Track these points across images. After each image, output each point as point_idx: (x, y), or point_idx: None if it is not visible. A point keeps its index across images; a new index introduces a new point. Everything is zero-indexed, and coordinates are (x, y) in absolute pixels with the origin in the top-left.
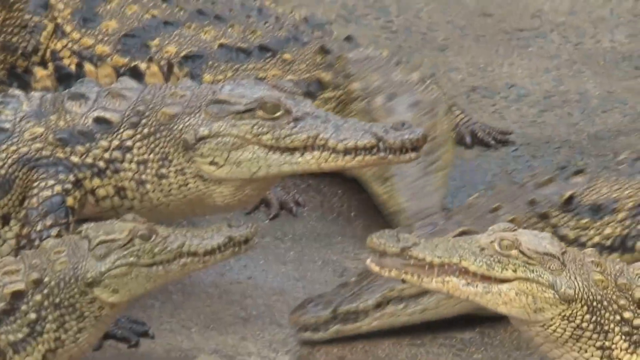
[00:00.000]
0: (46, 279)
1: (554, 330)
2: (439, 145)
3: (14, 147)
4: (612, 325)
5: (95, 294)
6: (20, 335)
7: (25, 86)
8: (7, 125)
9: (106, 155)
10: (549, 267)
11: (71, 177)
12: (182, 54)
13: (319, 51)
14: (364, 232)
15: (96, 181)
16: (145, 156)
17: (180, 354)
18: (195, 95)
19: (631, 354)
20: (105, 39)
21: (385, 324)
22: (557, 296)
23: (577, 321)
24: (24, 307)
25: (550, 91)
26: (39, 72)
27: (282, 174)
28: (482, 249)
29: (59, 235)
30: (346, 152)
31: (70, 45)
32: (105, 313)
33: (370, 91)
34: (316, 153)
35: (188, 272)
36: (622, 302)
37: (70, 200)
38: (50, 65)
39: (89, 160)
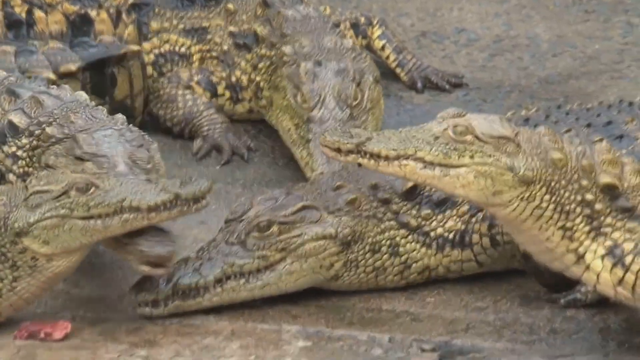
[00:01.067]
0: None
1: (513, 210)
2: (363, 112)
3: None
4: (573, 206)
5: (25, 244)
6: None
7: None
8: None
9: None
10: (505, 150)
11: None
12: (130, 1)
13: (261, 4)
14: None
15: None
16: (26, 169)
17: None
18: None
19: (592, 239)
20: None
21: (226, 299)
22: (515, 179)
23: (537, 201)
24: None
25: (500, 35)
26: None
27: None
28: (437, 138)
29: None
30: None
31: None
32: (42, 265)
33: (299, 56)
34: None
35: (131, 228)
36: (584, 182)
37: None
38: (0, 13)
39: None
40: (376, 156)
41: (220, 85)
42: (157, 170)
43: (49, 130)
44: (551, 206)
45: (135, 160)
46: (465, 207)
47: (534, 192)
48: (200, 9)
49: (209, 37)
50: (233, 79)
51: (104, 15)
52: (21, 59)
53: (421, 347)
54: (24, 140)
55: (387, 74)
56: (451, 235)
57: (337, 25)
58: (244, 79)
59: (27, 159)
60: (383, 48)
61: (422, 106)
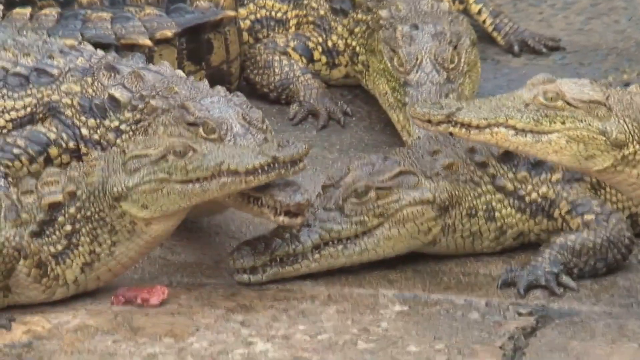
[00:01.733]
0: (79, 192)
1: (612, 171)
2: (460, 74)
3: (48, 92)
4: None
5: (124, 209)
6: (59, 247)
7: (72, 0)
8: (55, 72)
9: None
10: (597, 114)
11: (71, 144)
12: None
13: None
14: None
15: None
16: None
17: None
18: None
19: None
20: None
21: (324, 265)
22: (608, 142)
23: (631, 157)
24: (61, 219)
25: None
26: None
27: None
28: (527, 105)
29: (18, 160)
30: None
31: None
32: (141, 228)
33: (396, 20)
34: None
35: (229, 191)
36: None
37: (53, 151)
38: None
39: (96, 136)
40: (467, 125)
41: (316, 50)
42: (270, 131)
43: (153, 102)
44: None
45: (250, 120)
46: (559, 174)
47: (628, 152)
48: None
49: (305, 2)
50: (329, 44)
51: None
52: (117, 25)
53: (518, 311)
54: (127, 115)
55: (483, 38)
56: (545, 204)
57: None
58: (341, 43)
59: (130, 133)
60: (479, 12)
61: (519, 70)
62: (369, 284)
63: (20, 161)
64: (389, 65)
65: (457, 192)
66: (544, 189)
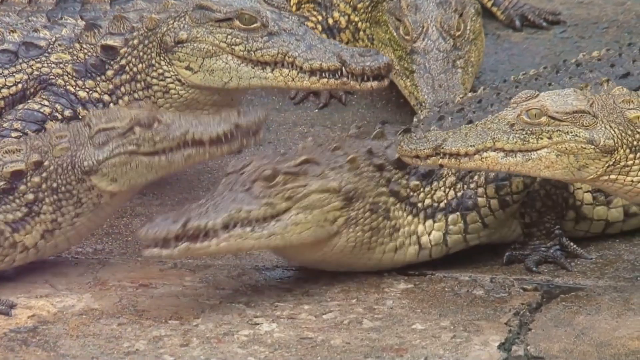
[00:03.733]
0: (46, 163)
1: (604, 177)
2: (466, 42)
3: (38, 65)
4: None
5: (93, 182)
6: (19, 214)
7: None
8: (43, 43)
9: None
10: (583, 124)
11: (67, 112)
12: None
13: None
14: (413, 117)
15: None
16: (135, 68)
17: None
18: (186, 1)
19: None
20: None
21: (233, 246)
22: (597, 150)
23: (623, 162)
24: (22, 187)
25: None
26: None
27: (252, 87)
28: (512, 125)
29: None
30: (312, 73)
31: None
32: (106, 201)
33: None
34: (285, 71)
35: (193, 162)
36: None
37: (50, 125)
38: None
39: (96, 95)
40: (456, 155)
41: (316, 29)
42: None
43: (155, 15)
44: (638, 161)
45: (275, 3)
46: (453, 178)
47: (618, 157)
48: None
49: None
50: (330, 21)
51: None
52: (117, 7)
53: (523, 286)
54: (124, 50)
55: (483, 14)
56: (443, 204)
57: None
58: (343, 20)
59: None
60: None
61: (520, 44)
62: None
63: None
64: (394, 34)
65: (361, 186)
66: (439, 193)
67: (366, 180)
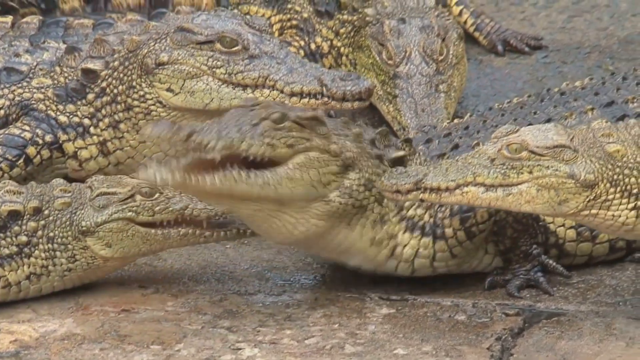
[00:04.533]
0: (46, 211)
1: (584, 213)
2: (449, 66)
3: (19, 90)
4: None
5: (88, 244)
6: (6, 251)
7: (54, 7)
8: (24, 68)
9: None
10: (563, 158)
11: (48, 137)
12: None
13: None
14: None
15: (79, 142)
16: (115, 90)
17: (215, 270)
18: (167, 24)
19: None
20: None
21: (225, 187)
22: (578, 184)
23: (603, 197)
24: (16, 228)
25: None
26: None
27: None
28: (493, 160)
29: None
30: (292, 95)
31: None
32: (98, 264)
33: (382, 16)
34: (266, 92)
35: (188, 243)
36: None
37: (31, 150)
38: None
39: (76, 119)
40: (437, 189)
41: (298, 54)
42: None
43: (135, 37)
44: (618, 195)
45: (256, 26)
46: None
47: (599, 192)
48: None
49: (289, 6)
50: (312, 46)
51: None
52: (99, 32)
53: (505, 311)
54: (105, 73)
55: (466, 39)
56: (421, 223)
57: None
58: (325, 45)
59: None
60: (460, 13)
61: (502, 69)
62: (355, 287)
63: (1, 169)
64: (377, 59)
65: (360, 158)
66: (419, 210)
67: (366, 157)
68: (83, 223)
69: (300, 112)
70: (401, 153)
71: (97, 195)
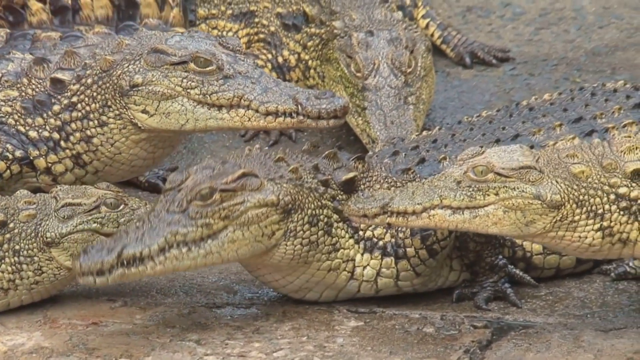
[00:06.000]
0: (11, 224)
1: (550, 233)
2: (417, 78)
3: None
4: (607, 206)
5: (53, 255)
6: None
7: (21, 20)
8: None
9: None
10: (529, 179)
11: (18, 153)
12: None
13: None
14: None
15: (52, 157)
16: (87, 107)
17: (184, 283)
18: (141, 44)
19: (631, 224)
20: None
21: (169, 267)
22: (544, 205)
23: (570, 218)
24: None
25: (546, 8)
26: (34, 5)
27: (209, 129)
28: (459, 182)
29: None
30: (268, 114)
31: None
32: (64, 275)
33: (350, 28)
34: (241, 111)
35: None
36: (613, 180)
37: (1, 165)
38: None
39: (46, 133)
40: (403, 213)
41: (266, 67)
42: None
43: (109, 57)
44: (584, 216)
45: (230, 46)
46: None
47: (565, 212)
48: None
49: (256, 20)
50: (280, 59)
51: None
52: (66, 44)
53: (473, 324)
54: (74, 88)
55: (433, 51)
56: (381, 243)
57: (385, 0)
58: (292, 59)
59: (84, 106)
60: (427, 26)
61: (469, 81)
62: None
63: None
64: (346, 71)
65: (300, 197)
66: (379, 230)
67: (307, 191)
68: (48, 234)
69: (227, 174)
70: (351, 175)
71: (62, 206)
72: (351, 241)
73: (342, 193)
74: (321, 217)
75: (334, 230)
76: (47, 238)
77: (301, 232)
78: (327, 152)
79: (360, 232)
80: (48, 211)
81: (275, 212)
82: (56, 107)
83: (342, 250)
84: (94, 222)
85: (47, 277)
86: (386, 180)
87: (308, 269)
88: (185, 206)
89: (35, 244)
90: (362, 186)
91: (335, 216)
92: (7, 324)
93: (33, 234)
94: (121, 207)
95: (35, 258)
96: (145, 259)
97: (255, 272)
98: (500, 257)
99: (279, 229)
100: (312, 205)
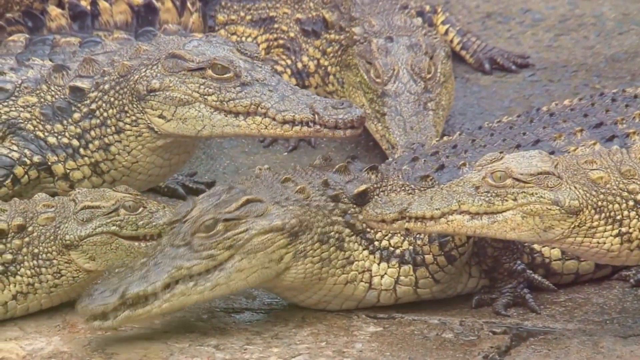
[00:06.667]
0: (30, 228)
1: (569, 239)
2: (437, 84)
3: (6, 109)
4: (625, 212)
5: (72, 257)
6: None
7: (41, 25)
8: (9, 87)
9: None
10: (547, 185)
11: (36, 158)
12: None
13: None
14: (383, 160)
15: (71, 163)
16: (105, 113)
17: None
18: (158, 49)
19: None
20: None
21: (176, 304)
22: (563, 211)
23: (588, 224)
24: (1, 246)
25: (566, 15)
26: (53, 10)
27: (225, 135)
28: (477, 187)
29: None
30: (285, 122)
31: None
32: (83, 278)
33: (370, 34)
34: (258, 119)
35: None
36: (632, 187)
37: (19, 170)
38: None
39: (65, 140)
40: (422, 218)
41: (285, 73)
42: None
43: (126, 62)
44: (602, 222)
45: (248, 53)
46: None
47: (584, 218)
48: None
49: (275, 25)
50: (299, 65)
51: (168, 4)
52: (86, 50)
53: (492, 330)
54: (93, 95)
55: (452, 57)
56: (398, 251)
57: (405, 7)
58: (312, 65)
59: (104, 113)
60: (447, 32)
61: (489, 88)
62: None
63: None
64: (365, 77)
65: (308, 217)
66: (396, 238)
67: (315, 210)
68: (67, 237)
69: (229, 205)
70: (363, 187)
71: (81, 209)
72: (365, 252)
73: (354, 206)
74: (332, 233)
75: (346, 244)
76: (66, 241)
77: (311, 251)
78: (337, 166)
79: (376, 243)
80: (67, 214)
81: (282, 236)
82: (76, 115)
83: (356, 262)
84: (113, 225)
85: (67, 280)
86: (403, 188)
87: (324, 285)
88: (189, 239)
89: (54, 247)
90: (376, 197)
91: (347, 230)
92: (26, 329)
93: (52, 237)
94: (140, 210)
95: (55, 261)
96: (150, 297)
97: (272, 291)
98: (519, 262)
99: (287, 252)
100: (322, 224)
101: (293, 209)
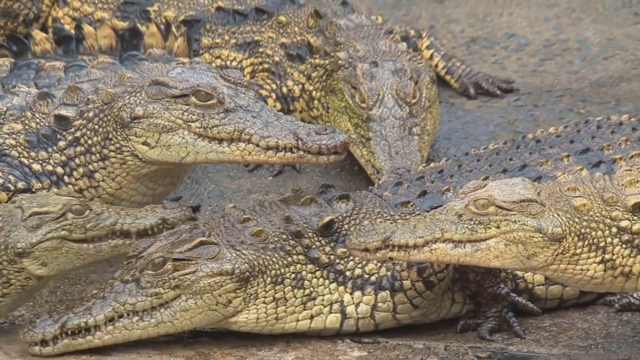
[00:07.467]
0: None
1: (552, 266)
2: (422, 109)
3: None
4: (609, 239)
5: (24, 265)
6: None
7: (25, 49)
8: None
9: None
10: (530, 212)
11: (20, 184)
12: (181, 18)
13: (313, 15)
14: (368, 185)
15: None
16: (90, 141)
17: None
18: (142, 76)
19: (634, 257)
20: (105, 6)
21: (119, 337)
22: (546, 238)
23: (572, 251)
24: None
25: (551, 39)
26: (38, 34)
27: (209, 162)
28: (460, 215)
29: None
30: (268, 148)
31: (71, 13)
32: (33, 284)
33: (355, 59)
34: (241, 145)
35: (119, 253)
36: (614, 213)
37: (2, 196)
38: (50, 29)
39: (49, 167)
40: (405, 247)
41: (269, 97)
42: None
43: (110, 90)
44: (586, 249)
45: (231, 79)
46: None
47: (567, 245)
48: (252, 23)
49: (260, 49)
50: (284, 89)
51: (153, 28)
52: (71, 74)
53: (477, 354)
54: (77, 123)
55: (437, 82)
56: (374, 278)
57: (389, 32)
58: (297, 89)
59: (89, 141)
60: (431, 57)
61: (473, 112)
62: None
63: None
64: (350, 102)
65: (261, 261)
66: (370, 265)
67: (271, 253)
68: (19, 245)
69: (183, 245)
70: (326, 219)
71: (30, 216)
72: (333, 285)
73: (318, 239)
74: (287, 274)
75: (307, 282)
76: (18, 249)
77: (263, 292)
78: (303, 199)
79: (348, 273)
80: (15, 222)
81: (231, 280)
82: (61, 143)
83: (320, 297)
84: (63, 230)
85: (15, 289)
86: (380, 215)
87: (286, 324)
88: (138, 275)
89: (5, 257)
90: (346, 225)
91: (308, 267)
92: (11, 353)
93: (3, 246)
94: (87, 212)
95: (4, 271)
96: (91, 328)
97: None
98: (502, 285)
99: (236, 297)
100: (277, 266)
101: (246, 254)
